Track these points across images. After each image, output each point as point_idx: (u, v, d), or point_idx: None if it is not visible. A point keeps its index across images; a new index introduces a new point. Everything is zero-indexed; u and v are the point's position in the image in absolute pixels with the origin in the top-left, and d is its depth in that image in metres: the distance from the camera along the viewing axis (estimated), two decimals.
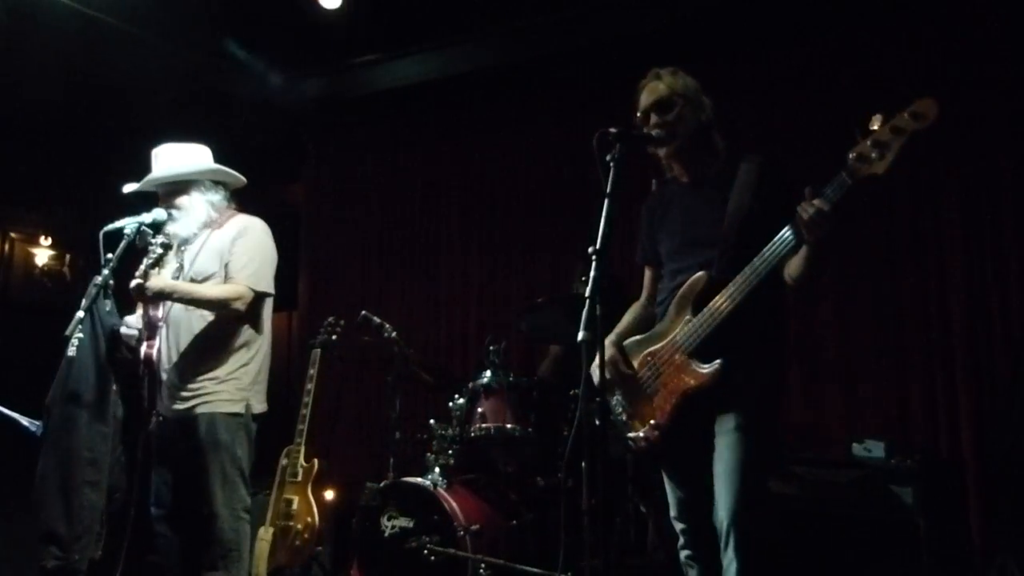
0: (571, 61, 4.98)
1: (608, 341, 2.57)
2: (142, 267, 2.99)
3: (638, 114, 2.56)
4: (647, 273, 2.75)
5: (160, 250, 3.02)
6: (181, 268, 3.21)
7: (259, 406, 3.21)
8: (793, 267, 2.31)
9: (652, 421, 2.44)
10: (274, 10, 4.75)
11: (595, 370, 2.15)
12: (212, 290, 3.10)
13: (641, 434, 2.48)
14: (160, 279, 3.05)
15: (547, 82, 5.22)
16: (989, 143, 3.98)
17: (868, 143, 2.06)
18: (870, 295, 4.19)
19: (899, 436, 3.93)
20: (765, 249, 2.24)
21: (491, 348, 4.08)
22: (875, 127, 2.06)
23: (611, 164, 2.23)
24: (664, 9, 4.44)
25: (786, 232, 2.20)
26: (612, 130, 2.29)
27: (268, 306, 3.31)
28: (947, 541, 3.33)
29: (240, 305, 3.11)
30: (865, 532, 3.30)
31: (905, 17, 4.23)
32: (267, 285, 3.21)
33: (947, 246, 4.02)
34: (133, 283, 2.96)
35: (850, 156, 2.09)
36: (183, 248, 3.25)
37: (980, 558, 3.64)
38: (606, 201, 2.22)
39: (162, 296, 3.05)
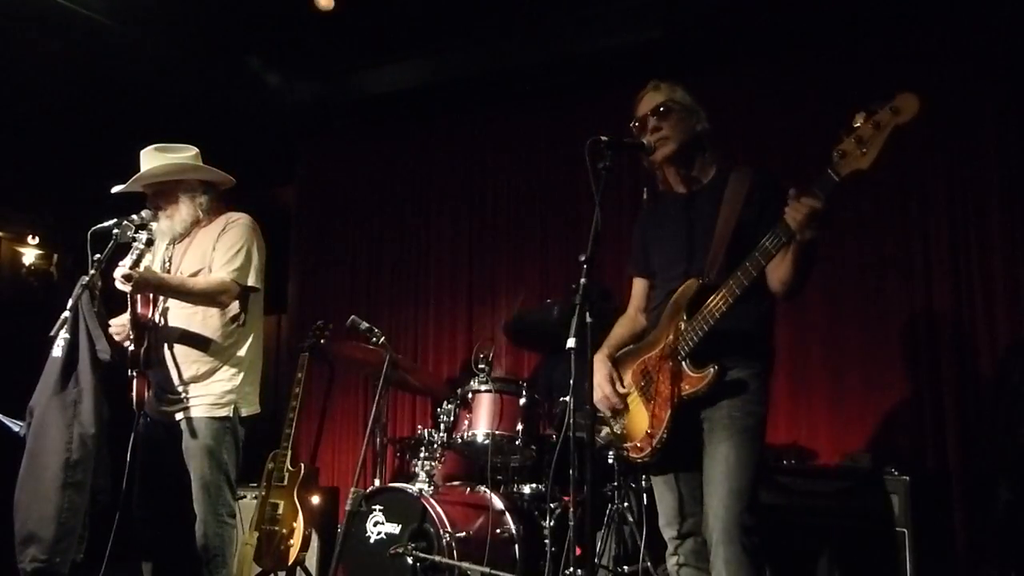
0: (565, 68, 4.99)
1: (601, 358, 2.56)
2: (125, 261, 2.93)
3: (635, 123, 2.57)
4: (637, 283, 2.75)
5: (143, 246, 2.96)
6: (168, 266, 3.18)
7: (248, 408, 3.18)
8: (782, 272, 2.31)
9: (648, 430, 2.43)
10: (269, 13, 4.74)
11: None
12: (198, 283, 3.08)
13: (638, 444, 2.47)
14: (147, 270, 3.00)
15: (540, 88, 5.22)
16: (976, 150, 3.99)
17: (851, 139, 2.07)
18: (856, 306, 4.19)
19: (886, 447, 3.94)
20: (755, 249, 2.23)
21: (480, 354, 4.07)
22: (858, 123, 2.07)
23: (602, 172, 2.23)
24: (659, 19, 4.44)
25: (776, 230, 2.20)
26: (603, 138, 2.30)
27: (258, 304, 3.27)
28: (933, 551, 3.34)
29: (226, 299, 3.09)
30: (851, 542, 3.30)
31: (892, 20, 4.24)
32: (253, 279, 3.17)
33: (934, 257, 4.03)
34: (119, 272, 2.89)
35: (834, 153, 2.10)
36: (170, 247, 3.23)
37: (965, 569, 3.65)
38: (596, 209, 2.22)
39: (148, 287, 3.00)
